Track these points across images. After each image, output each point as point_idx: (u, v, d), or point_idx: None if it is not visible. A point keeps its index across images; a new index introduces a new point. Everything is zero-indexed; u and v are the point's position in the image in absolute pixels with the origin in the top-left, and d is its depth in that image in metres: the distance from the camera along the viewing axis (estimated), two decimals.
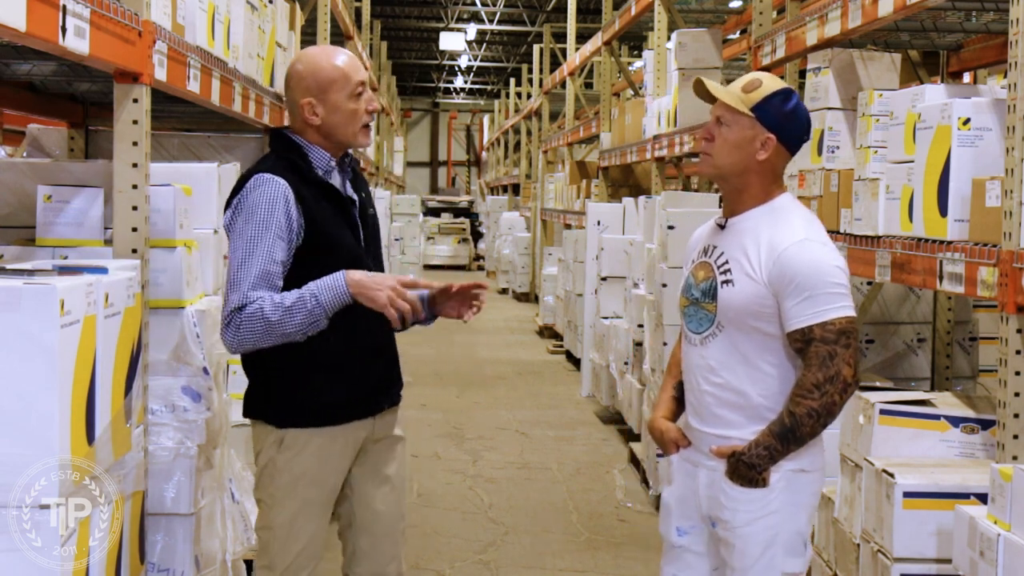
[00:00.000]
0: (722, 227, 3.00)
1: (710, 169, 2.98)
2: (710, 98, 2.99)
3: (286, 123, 3.33)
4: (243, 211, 3.06)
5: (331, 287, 3.00)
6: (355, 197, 3.25)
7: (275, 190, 3.05)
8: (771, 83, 2.95)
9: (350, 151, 3.28)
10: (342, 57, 3.18)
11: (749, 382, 2.92)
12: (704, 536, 3.05)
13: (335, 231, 3.13)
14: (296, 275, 3.08)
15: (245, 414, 3.25)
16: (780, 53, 5.22)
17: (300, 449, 3.13)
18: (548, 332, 14.09)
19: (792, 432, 2.84)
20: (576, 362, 11.45)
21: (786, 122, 2.93)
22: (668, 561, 3.14)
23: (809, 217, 3.02)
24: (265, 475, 3.18)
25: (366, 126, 3.19)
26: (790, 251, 2.85)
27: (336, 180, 3.21)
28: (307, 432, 3.13)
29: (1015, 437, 3.28)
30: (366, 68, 13.20)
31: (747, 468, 2.87)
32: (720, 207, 3.19)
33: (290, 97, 3.19)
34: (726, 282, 2.92)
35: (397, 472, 3.32)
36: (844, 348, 2.83)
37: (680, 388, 3.15)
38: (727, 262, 2.93)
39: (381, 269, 3.28)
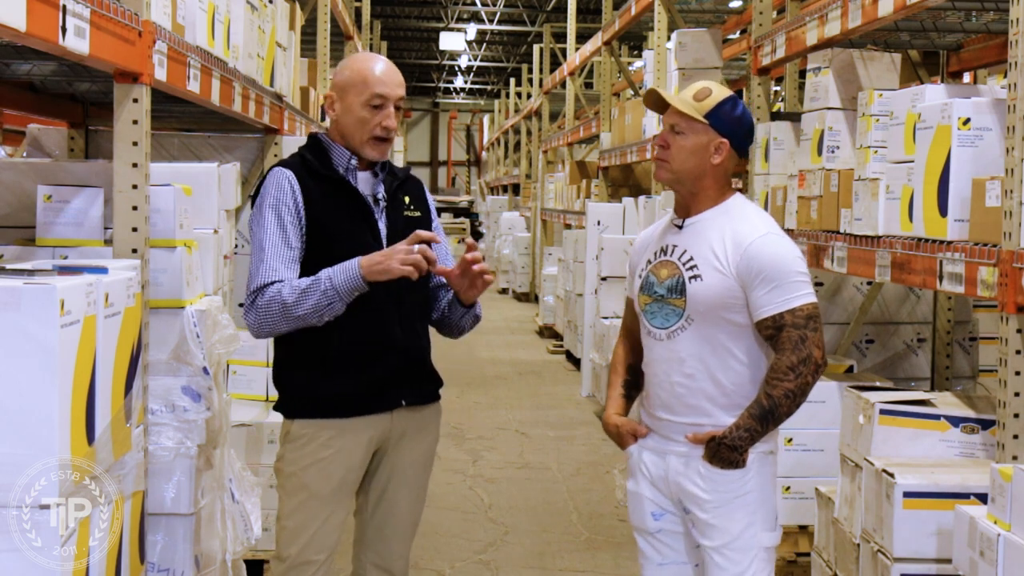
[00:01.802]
0: (680, 227, 3.12)
1: (668, 175, 3.12)
2: (660, 107, 3.14)
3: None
4: (259, 203, 3.18)
5: (344, 269, 3.06)
6: (381, 197, 3.24)
7: (281, 179, 3.16)
8: (720, 91, 3.10)
9: (388, 160, 3.29)
10: (375, 66, 3.21)
11: (720, 370, 3.05)
12: (679, 518, 3.14)
13: (339, 225, 3.16)
14: (305, 270, 3.14)
15: (274, 408, 3.34)
16: (780, 53, 5.22)
17: (306, 442, 3.17)
18: (548, 332, 14.09)
19: (771, 413, 2.97)
20: (576, 362, 11.45)
21: (737, 127, 3.09)
22: (647, 553, 3.20)
23: (763, 213, 3.21)
24: (276, 468, 3.26)
25: (378, 139, 3.19)
26: (756, 244, 3.00)
27: (362, 180, 3.23)
28: (314, 424, 3.17)
29: (1015, 437, 3.28)
30: None
31: (729, 450, 2.99)
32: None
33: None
34: (694, 277, 3.04)
35: (418, 472, 3.33)
36: (813, 332, 2.98)
37: (628, 386, 3.30)
38: (692, 259, 3.06)
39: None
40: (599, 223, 9.79)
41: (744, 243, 3.00)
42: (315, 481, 3.16)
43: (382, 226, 3.22)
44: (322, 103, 3.43)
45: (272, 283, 3.08)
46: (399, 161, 24.64)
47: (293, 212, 3.13)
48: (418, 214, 3.32)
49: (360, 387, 3.18)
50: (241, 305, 5.03)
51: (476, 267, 3.18)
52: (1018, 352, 3.27)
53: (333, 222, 3.15)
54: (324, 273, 3.07)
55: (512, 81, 28.93)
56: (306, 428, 3.17)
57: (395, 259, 3.03)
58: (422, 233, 3.08)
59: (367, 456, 3.23)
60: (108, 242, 3.42)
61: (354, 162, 3.21)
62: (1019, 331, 3.26)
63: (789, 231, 4.77)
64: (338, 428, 3.17)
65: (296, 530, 3.16)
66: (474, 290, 3.25)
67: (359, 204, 3.20)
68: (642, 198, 8.82)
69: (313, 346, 3.15)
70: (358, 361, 3.17)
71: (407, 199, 3.31)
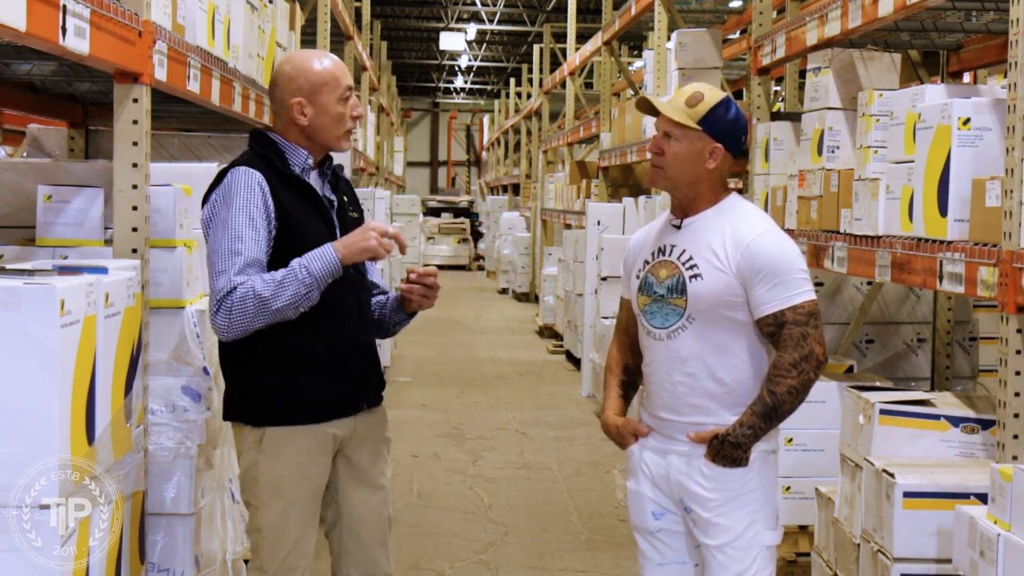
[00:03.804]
0: (678, 227, 3.13)
1: (664, 182, 3.12)
2: (652, 112, 3.13)
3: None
4: (222, 203, 3.05)
5: (320, 256, 3.01)
6: (333, 198, 3.24)
7: (250, 180, 3.05)
8: (712, 95, 3.09)
9: (331, 156, 3.28)
10: (331, 61, 3.19)
11: (722, 369, 3.05)
12: (680, 517, 3.15)
13: (308, 225, 3.12)
14: (272, 269, 3.07)
15: (225, 417, 3.23)
16: (780, 53, 5.22)
17: (280, 448, 3.11)
18: (548, 332, 14.09)
19: (775, 410, 2.98)
20: (576, 362, 11.45)
21: (730, 130, 3.09)
22: (648, 553, 3.21)
23: (760, 211, 3.23)
24: (248, 477, 3.16)
25: (349, 131, 3.20)
26: (757, 242, 3.02)
27: (313, 180, 3.21)
28: (286, 430, 3.12)
29: (1015, 437, 3.28)
30: (366, 68, 13.22)
31: (732, 448, 3.00)
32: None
33: (277, 97, 3.17)
34: (694, 276, 3.05)
35: (383, 473, 3.32)
36: (814, 328, 2.99)
37: (624, 386, 3.32)
38: (691, 258, 3.07)
39: (363, 273, 3.29)
40: (599, 223, 9.79)
41: (744, 241, 3.01)
42: (293, 488, 3.12)
43: (336, 228, 3.21)
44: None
45: (242, 283, 2.98)
46: (399, 161, 24.64)
47: (263, 215, 3.03)
48: (356, 215, 3.31)
49: (329, 392, 3.15)
50: None
51: (431, 279, 3.26)
52: (1018, 352, 3.27)
53: (302, 226, 3.10)
54: (297, 263, 3.00)
55: (512, 81, 28.92)
56: (278, 436, 3.11)
57: (373, 241, 3.04)
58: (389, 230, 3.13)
59: (331, 459, 3.21)
60: (108, 242, 3.43)
61: (310, 162, 3.18)
62: (1019, 331, 3.26)
63: (789, 231, 4.77)
64: (309, 433, 3.13)
65: (278, 540, 3.12)
66: (427, 301, 3.29)
67: (321, 207, 3.18)
68: (642, 198, 8.82)
69: (281, 349, 3.07)
70: (326, 366, 3.14)
71: (345, 199, 3.30)
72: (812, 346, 2.97)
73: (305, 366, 3.11)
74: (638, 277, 3.19)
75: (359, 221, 3.29)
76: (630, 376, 3.30)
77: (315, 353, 3.11)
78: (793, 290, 2.99)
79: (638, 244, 3.27)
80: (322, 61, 3.17)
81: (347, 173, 6.37)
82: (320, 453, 3.16)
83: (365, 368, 3.26)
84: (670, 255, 3.11)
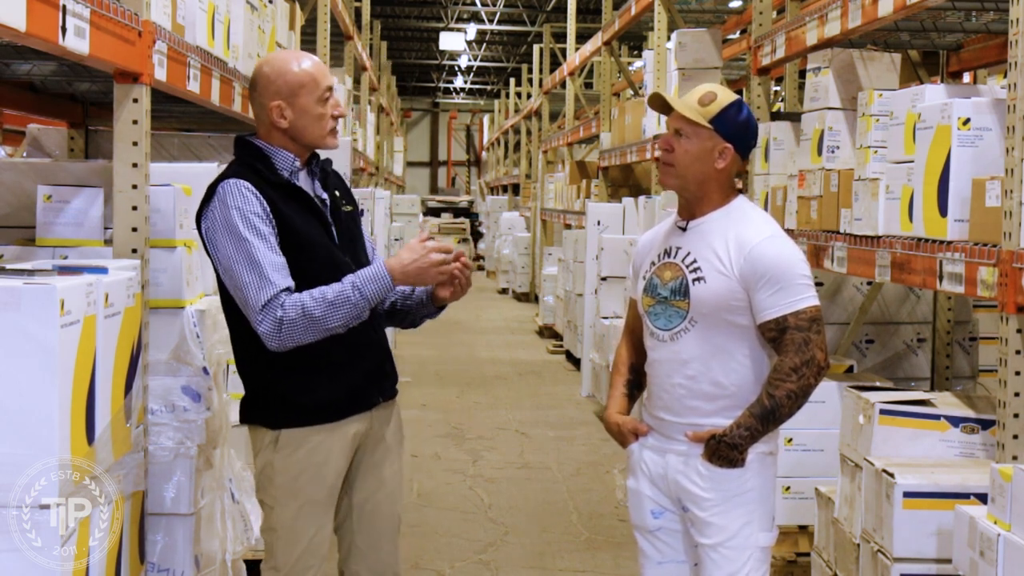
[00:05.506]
0: (683, 229, 3.13)
1: (672, 179, 3.13)
2: (664, 109, 3.14)
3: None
4: (223, 220, 3.02)
5: (374, 279, 3.04)
6: (324, 196, 3.23)
7: (243, 190, 3.03)
8: (725, 95, 3.10)
9: (318, 153, 3.26)
10: (309, 62, 3.17)
11: (722, 372, 3.06)
12: (678, 516, 3.16)
13: (305, 229, 3.10)
14: None
15: (241, 420, 3.23)
16: (780, 53, 5.22)
17: (296, 447, 3.12)
18: (548, 332, 14.09)
19: (772, 413, 2.99)
20: (576, 362, 11.45)
21: (741, 132, 3.10)
22: (647, 551, 3.22)
23: (766, 215, 3.24)
24: (264, 477, 3.17)
25: (334, 129, 3.19)
26: (760, 247, 3.02)
27: (303, 181, 3.19)
28: (302, 431, 3.13)
29: (1015, 437, 3.28)
30: (366, 68, 13.22)
31: (729, 449, 3.01)
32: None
33: (257, 100, 3.16)
34: (697, 279, 3.06)
35: (395, 470, 3.33)
36: (816, 334, 2.99)
37: (630, 385, 3.32)
38: (695, 261, 3.08)
39: (364, 265, 3.23)
40: (599, 223, 9.79)
41: (748, 245, 3.02)
42: (309, 487, 3.13)
43: (332, 226, 3.20)
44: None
45: (280, 292, 2.97)
46: (399, 161, 24.63)
47: (266, 221, 3.02)
48: (350, 208, 3.30)
49: (344, 390, 3.17)
50: None
51: (464, 259, 3.20)
52: (1018, 352, 3.27)
53: (300, 230, 3.09)
54: (350, 284, 3.02)
55: (512, 81, 28.92)
56: (295, 435, 3.12)
57: (431, 271, 3.08)
58: (459, 251, 3.15)
59: (350, 458, 3.22)
60: (108, 242, 3.43)
61: (297, 164, 3.16)
62: (1019, 331, 3.26)
63: (789, 231, 4.77)
64: (326, 432, 3.14)
65: (292, 538, 3.13)
66: (458, 293, 3.26)
67: (314, 209, 3.16)
68: (642, 198, 8.82)
69: (291, 355, 3.06)
70: (340, 365, 3.15)
71: (337, 193, 3.28)
72: (814, 351, 2.97)
73: (319, 366, 3.12)
74: (644, 278, 3.20)
75: (353, 215, 3.30)
76: (636, 375, 3.31)
77: (329, 352, 3.11)
78: (796, 295, 2.99)
79: (646, 245, 3.28)
80: (300, 62, 3.15)
81: (347, 172, 6.37)
82: (338, 452, 3.17)
83: (378, 362, 3.26)
84: (674, 257, 3.12)
